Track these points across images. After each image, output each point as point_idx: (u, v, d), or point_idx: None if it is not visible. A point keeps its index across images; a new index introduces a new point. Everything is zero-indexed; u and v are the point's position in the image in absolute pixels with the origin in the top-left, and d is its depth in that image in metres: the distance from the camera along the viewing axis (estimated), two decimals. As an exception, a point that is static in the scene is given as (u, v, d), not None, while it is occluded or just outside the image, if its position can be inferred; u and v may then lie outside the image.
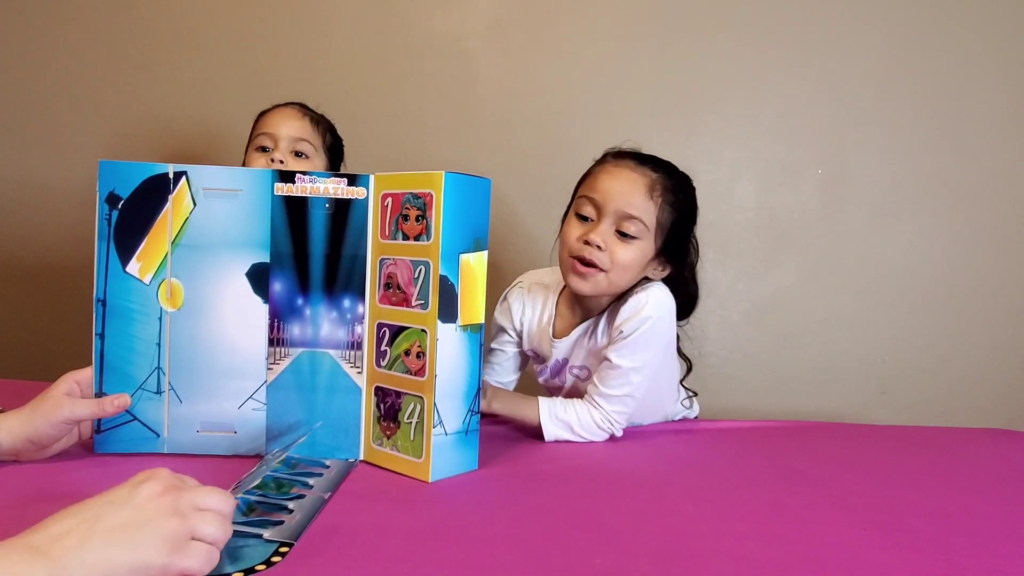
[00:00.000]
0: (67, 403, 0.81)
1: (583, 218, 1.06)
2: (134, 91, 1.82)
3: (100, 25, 1.81)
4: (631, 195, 1.04)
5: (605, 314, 1.11)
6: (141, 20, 1.80)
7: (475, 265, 0.86)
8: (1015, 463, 1.04)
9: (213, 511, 0.57)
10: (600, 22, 1.72)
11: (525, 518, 0.73)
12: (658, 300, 1.06)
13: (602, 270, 1.04)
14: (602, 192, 1.05)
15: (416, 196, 0.83)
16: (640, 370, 1.05)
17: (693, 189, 1.11)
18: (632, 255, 1.04)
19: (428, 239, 0.83)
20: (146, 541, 0.50)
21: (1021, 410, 1.67)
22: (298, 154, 1.36)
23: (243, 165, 1.39)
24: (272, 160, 1.33)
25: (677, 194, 1.07)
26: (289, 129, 1.35)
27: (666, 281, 1.12)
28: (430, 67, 1.75)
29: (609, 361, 1.05)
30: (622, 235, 1.04)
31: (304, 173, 0.87)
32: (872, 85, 1.67)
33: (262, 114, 1.42)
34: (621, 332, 1.05)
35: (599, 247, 1.03)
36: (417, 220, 0.83)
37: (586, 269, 1.04)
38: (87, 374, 0.85)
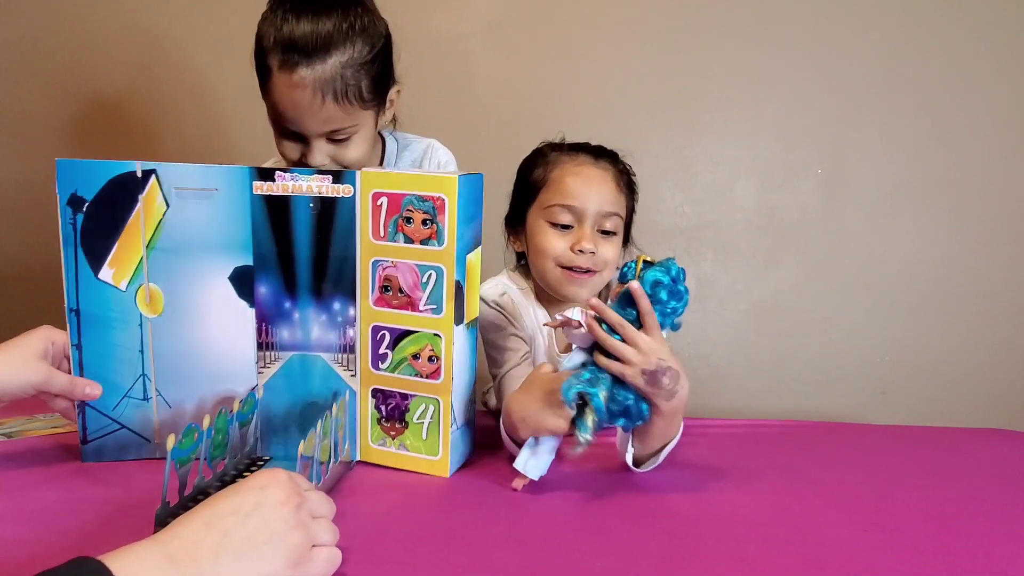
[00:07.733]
0: (45, 370, 0.77)
1: (561, 227, 1.05)
2: (113, 87, 1.82)
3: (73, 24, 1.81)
4: (606, 193, 1.05)
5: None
6: (133, 17, 1.80)
7: (474, 262, 0.85)
8: (1015, 463, 1.04)
9: (325, 517, 0.60)
10: (600, 22, 1.72)
11: (525, 520, 0.73)
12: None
13: (596, 271, 1.05)
14: (578, 197, 1.04)
15: (422, 199, 0.79)
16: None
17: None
18: (615, 250, 1.07)
19: (440, 244, 0.79)
20: (273, 555, 0.53)
21: (1021, 410, 1.67)
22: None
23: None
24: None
25: (630, 178, 1.11)
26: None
27: None
28: (429, 67, 1.75)
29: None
30: (603, 233, 1.05)
31: (283, 170, 0.83)
32: (872, 85, 1.67)
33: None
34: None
35: (592, 252, 1.03)
36: (424, 224, 0.80)
37: (583, 276, 1.04)
38: (63, 336, 0.81)
